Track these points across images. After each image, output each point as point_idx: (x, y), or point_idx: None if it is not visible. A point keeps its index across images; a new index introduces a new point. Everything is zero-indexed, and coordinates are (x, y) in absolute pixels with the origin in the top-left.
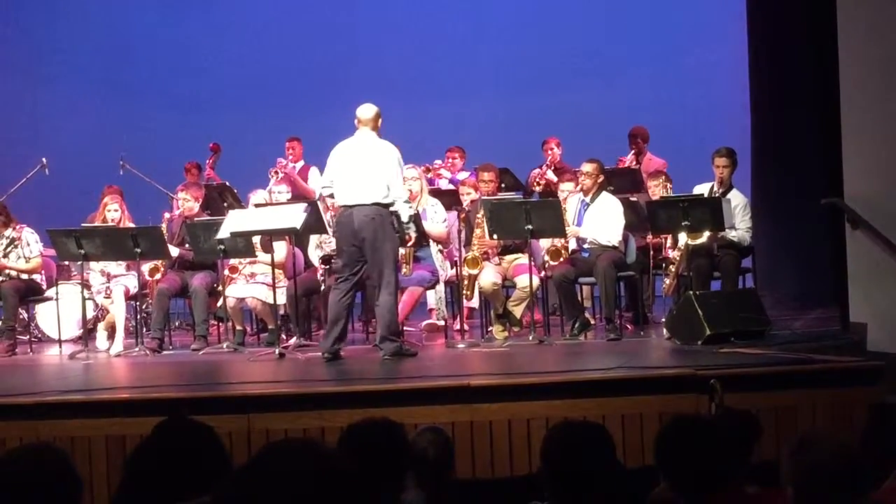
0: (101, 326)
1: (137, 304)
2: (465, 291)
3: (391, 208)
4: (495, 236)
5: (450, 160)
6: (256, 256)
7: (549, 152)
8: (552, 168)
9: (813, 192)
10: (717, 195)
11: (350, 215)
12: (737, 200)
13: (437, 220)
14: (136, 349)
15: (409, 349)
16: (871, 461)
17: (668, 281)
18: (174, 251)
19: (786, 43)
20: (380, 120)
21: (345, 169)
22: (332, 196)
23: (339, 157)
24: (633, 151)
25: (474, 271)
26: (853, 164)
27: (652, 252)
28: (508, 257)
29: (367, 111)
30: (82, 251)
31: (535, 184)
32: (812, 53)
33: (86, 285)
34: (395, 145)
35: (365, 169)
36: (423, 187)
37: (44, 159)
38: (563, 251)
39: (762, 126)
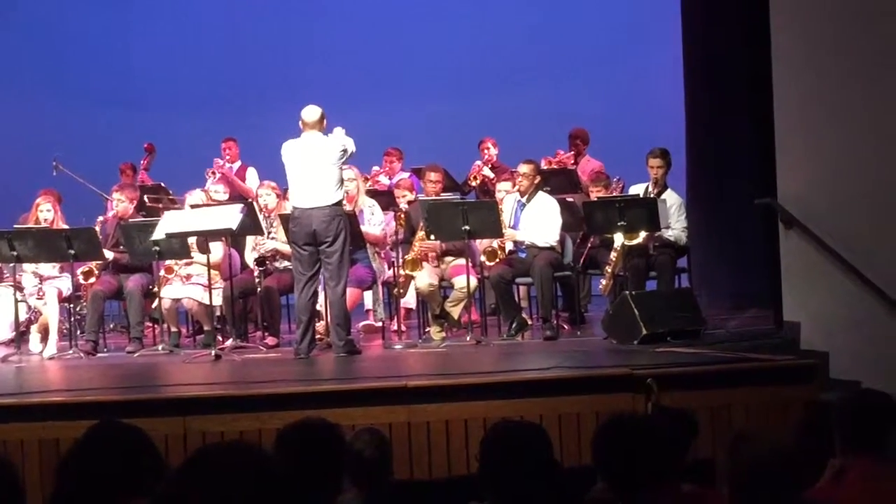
0: (34, 329)
1: (71, 306)
2: (398, 290)
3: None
4: (433, 237)
5: (387, 164)
6: (192, 257)
7: (486, 152)
8: (489, 166)
9: (747, 192)
10: (651, 196)
11: (309, 217)
12: (672, 200)
13: (375, 221)
14: (70, 352)
15: (356, 347)
16: (806, 459)
17: (604, 281)
18: (108, 255)
19: (720, 45)
20: (325, 121)
21: (298, 172)
22: None
23: (290, 157)
24: (572, 152)
25: (413, 273)
26: (786, 165)
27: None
28: (447, 258)
29: (312, 114)
30: (15, 253)
31: (472, 178)
32: (745, 56)
33: (18, 287)
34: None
35: (319, 172)
36: (360, 188)
37: None
38: (499, 252)
39: (696, 127)
